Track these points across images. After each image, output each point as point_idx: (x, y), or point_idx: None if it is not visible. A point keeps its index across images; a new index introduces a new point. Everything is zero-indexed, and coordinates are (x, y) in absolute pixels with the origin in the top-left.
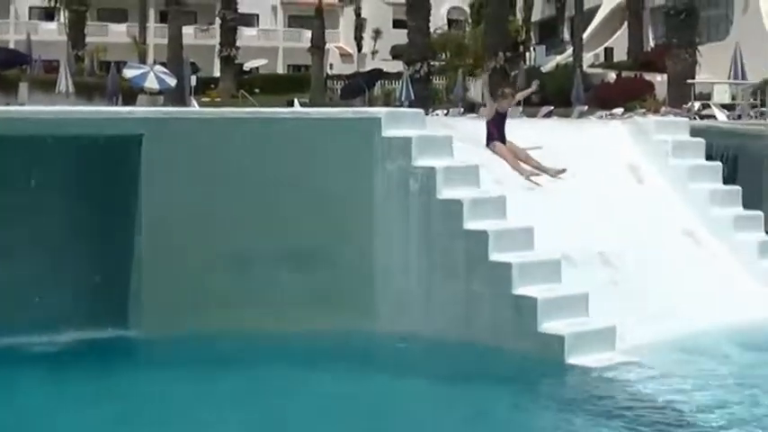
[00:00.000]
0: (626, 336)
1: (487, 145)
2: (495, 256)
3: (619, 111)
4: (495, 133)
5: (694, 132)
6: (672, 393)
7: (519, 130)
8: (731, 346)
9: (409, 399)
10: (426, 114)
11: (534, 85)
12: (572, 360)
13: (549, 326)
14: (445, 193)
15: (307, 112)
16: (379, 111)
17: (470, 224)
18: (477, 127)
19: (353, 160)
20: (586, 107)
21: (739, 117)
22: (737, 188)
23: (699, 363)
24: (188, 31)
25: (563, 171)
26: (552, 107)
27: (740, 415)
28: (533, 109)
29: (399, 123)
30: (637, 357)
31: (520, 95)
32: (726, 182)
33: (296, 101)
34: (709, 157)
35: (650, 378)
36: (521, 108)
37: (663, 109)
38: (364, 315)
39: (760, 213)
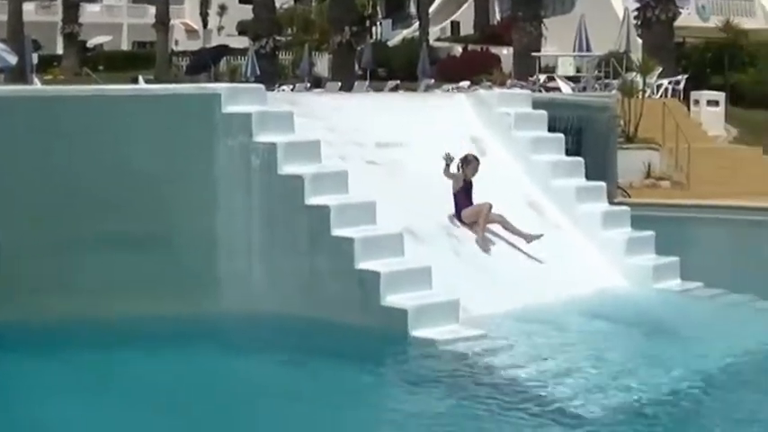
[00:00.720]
0: (470, 308)
1: (458, 218)
2: (338, 231)
3: (465, 84)
4: (466, 204)
5: (537, 105)
6: (515, 364)
7: (363, 103)
8: (575, 317)
9: (248, 377)
10: (272, 90)
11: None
12: (416, 333)
13: (392, 299)
14: (286, 168)
15: (145, 89)
16: (218, 87)
17: (312, 199)
18: (321, 102)
19: (193, 137)
20: (433, 81)
21: (584, 89)
22: (580, 159)
23: (542, 333)
24: (28, 7)
25: (539, 237)
26: (398, 81)
27: (584, 384)
28: (380, 83)
29: (239, 99)
30: (481, 329)
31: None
32: (570, 153)
33: (140, 78)
34: (553, 129)
35: (494, 349)
36: (367, 82)
37: (509, 82)
38: (206, 295)
39: (602, 184)
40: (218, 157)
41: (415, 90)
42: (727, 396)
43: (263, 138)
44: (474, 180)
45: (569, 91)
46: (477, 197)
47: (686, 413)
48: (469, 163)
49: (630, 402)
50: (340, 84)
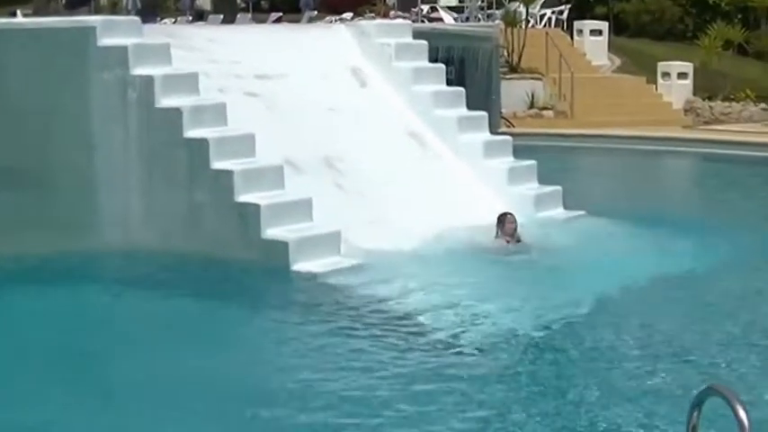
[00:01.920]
0: (351, 240)
1: None
2: (217, 164)
3: (348, 15)
4: None
5: (419, 35)
6: (395, 296)
7: (243, 36)
8: (455, 248)
9: (127, 313)
10: (155, 23)
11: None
12: (297, 266)
13: (273, 232)
14: (164, 101)
15: (19, 23)
16: (93, 20)
17: (190, 132)
18: (199, 34)
19: (68, 71)
20: (316, 12)
21: (467, 19)
22: (461, 89)
23: (423, 265)
24: None
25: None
26: (281, 13)
27: (463, 315)
28: (263, 15)
29: (115, 32)
30: (362, 261)
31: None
32: (453, 84)
33: (18, 12)
34: (435, 60)
35: (375, 281)
36: (249, 15)
37: (392, 13)
38: (86, 232)
39: (484, 114)
40: (95, 91)
41: (298, 22)
42: (604, 326)
43: (139, 71)
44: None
45: (452, 21)
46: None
47: (564, 342)
48: (502, 222)
49: (509, 332)
50: (222, 17)
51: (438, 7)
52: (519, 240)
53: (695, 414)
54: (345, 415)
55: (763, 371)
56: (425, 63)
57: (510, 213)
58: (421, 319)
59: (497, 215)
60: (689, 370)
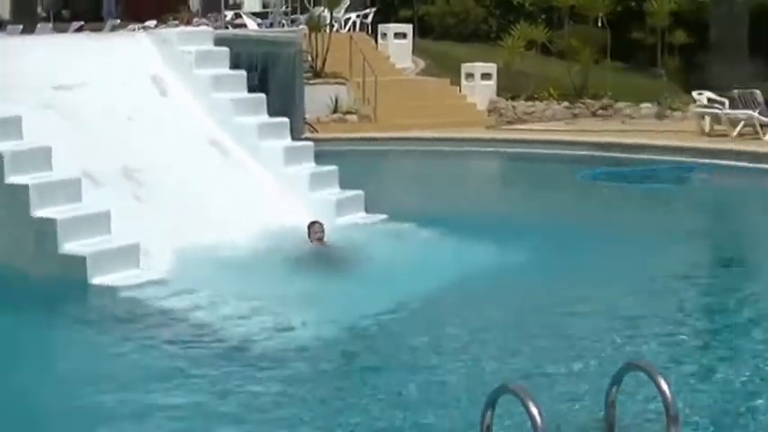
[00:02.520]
0: (152, 251)
1: None
2: (12, 178)
3: (152, 23)
4: None
5: (221, 42)
6: (197, 306)
7: (41, 46)
8: (259, 256)
9: None
10: None
11: None
12: (96, 280)
13: (70, 247)
14: None
15: None
16: None
17: None
18: None
19: None
20: (119, 21)
21: (272, 25)
22: (262, 96)
23: (225, 274)
24: None
25: None
26: (83, 22)
27: (263, 324)
28: (64, 25)
29: None
30: (163, 273)
31: None
32: (256, 90)
33: None
34: (238, 66)
35: (175, 293)
36: (50, 24)
37: (195, 20)
38: None
39: (285, 120)
40: None
41: (100, 31)
42: (403, 329)
43: None
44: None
45: (255, 27)
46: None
47: (364, 348)
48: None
49: (309, 339)
50: (22, 26)
51: (242, 14)
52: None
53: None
54: (138, 426)
55: (560, 368)
56: (226, 70)
57: (317, 222)
58: (221, 329)
59: (307, 224)
60: (488, 368)
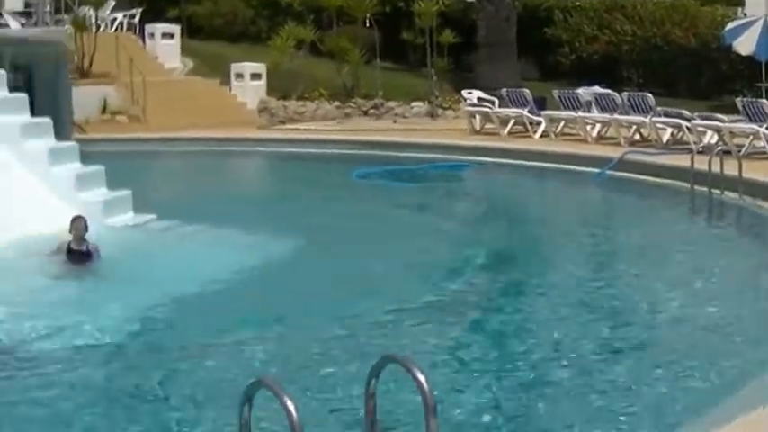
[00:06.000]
0: None
1: None
2: None
3: None
4: None
5: None
6: None
7: None
8: (21, 257)
9: None
10: None
11: None
12: None
13: None
14: None
15: None
16: None
17: None
18: None
19: None
20: None
21: (36, 24)
22: (24, 95)
23: None
24: None
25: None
26: None
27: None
28: None
29: None
30: None
31: None
32: (20, 90)
33: None
34: (1, 65)
35: None
36: None
37: None
38: None
39: (49, 120)
40: None
41: None
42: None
43: None
44: None
45: (18, 27)
46: None
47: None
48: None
49: (75, 344)
50: None
51: (3, 12)
52: (87, 249)
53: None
54: None
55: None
56: None
57: (79, 217)
58: None
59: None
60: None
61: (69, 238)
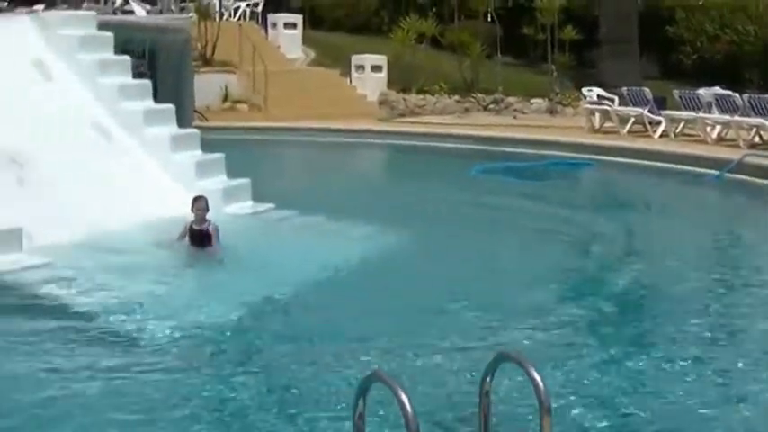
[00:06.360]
0: (35, 236)
1: None
2: None
3: (40, 7)
4: None
5: (108, 27)
6: (80, 293)
7: None
8: (144, 243)
9: None
10: None
11: None
12: None
13: None
14: None
15: None
16: None
17: None
18: None
19: None
20: (6, 4)
21: (161, 12)
22: (147, 82)
23: (111, 261)
24: None
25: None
26: None
27: (149, 313)
28: None
29: None
30: (47, 258)
31: None
32: (144, 76)
33: None
34: (127, 52)
35: (58, 279)
36: None
37: (84, 4)
38: None
39: (171, 107)
40: None
41: None
42: (292, 318)
43: None
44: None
45: (144, 14)
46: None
47: (253, 337)
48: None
49: (194, 328)
50: None
51: (130, 0)
52: (207, 230)
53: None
54: (25, 419)
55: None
56: (111, 55)
57: (201, 197)
58: (105, 315)
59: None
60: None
61: (191, 219)
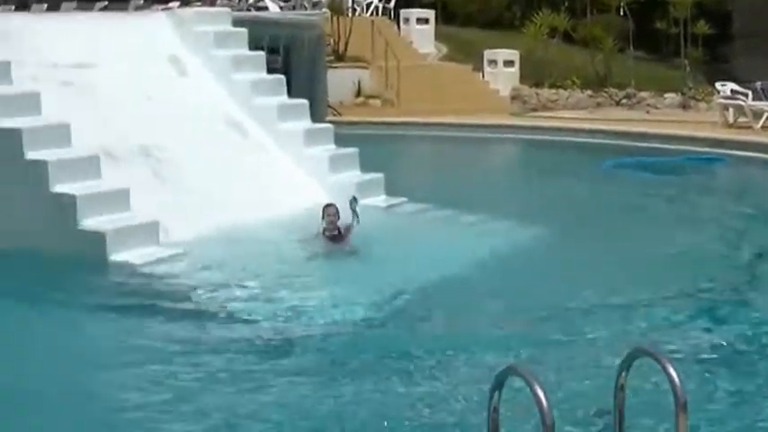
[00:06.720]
0: (171, 229)
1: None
2: (31, 154)
3: (175, 4)
4: None
5: (242, 23)
6: (216, 285)
7: (59, 24)
8: (278, 236)
9: None
10: None
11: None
12: (115, 257)
13: (89, 223)
14: None
15: None
16: None
17: (3, 122)
18: (12, 23)
19: None
20: (142, 1)
21: (294, 8)
22: (281, 77)
23: (244, 254)
24: None
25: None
26: (107, 2)
27: (286, 305)
28: (89, 4)
29: None
30: (181, 251)
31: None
32: (278, 72)
33: None
34: (260, 48)
35: (194, 271)
36: (74, 3)
37: (219, 1)
38: None
39: (305, 102)
40: None
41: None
42: (427, 312)
43: None
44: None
45: (277, 10)
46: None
47: (386, 332)
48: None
49: (329, 322)
50: (47, 5)
51: None
52: (339, 232)
53: (623, 374)
54: (161, 411)
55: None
56: (245, 51)
57: (331, 204)
58: (240, 309)
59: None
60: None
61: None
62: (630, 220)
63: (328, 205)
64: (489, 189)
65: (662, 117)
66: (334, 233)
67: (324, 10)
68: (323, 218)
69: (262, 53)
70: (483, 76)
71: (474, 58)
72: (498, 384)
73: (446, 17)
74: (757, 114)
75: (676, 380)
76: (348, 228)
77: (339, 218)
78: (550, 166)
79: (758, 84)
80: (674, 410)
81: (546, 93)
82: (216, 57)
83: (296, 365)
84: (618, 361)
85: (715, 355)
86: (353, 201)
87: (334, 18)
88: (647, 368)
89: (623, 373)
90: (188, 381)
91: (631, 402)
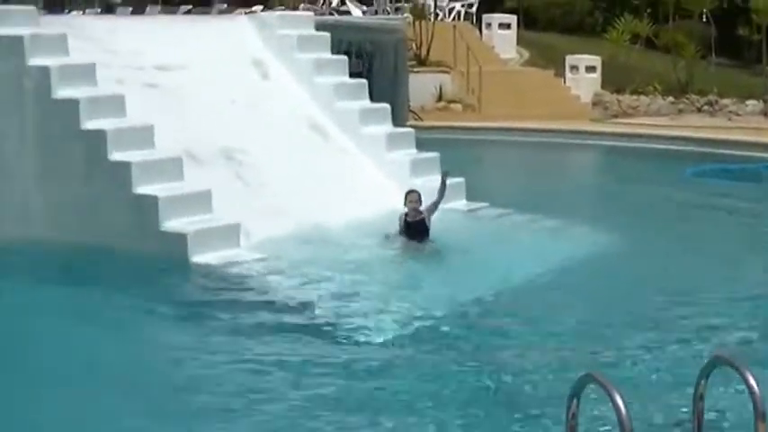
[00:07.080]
0: (252, 232)
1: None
2: (115, 155)
3: (258, 8)
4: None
5: (324, 27)
6: (297, 287)
7: (144, 26)
8: (359, 239)
9: (24, 305)
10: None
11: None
12: (196, 258)
13: (171, 225)
14: (60, 92)
15: None
16: None
17: (88, 124)
18: (98, 25)
19: None
20: (226, 5)
21: (376, 12)
22: (363, 81)
23: (326, 256)
24: None
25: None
26: (191, 6)
27: (366, 307)
28: (173, 7)
29: (10, 21)
30: (263, 253)
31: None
32: (360, 76)
33: None
34: (343, 53)
35: (275, 273)
36: (159, 7)
37: (301, 6)
38: None
39: (386, 106)
40: None
41: (208, 14)
42: (505, 317)
43: (36, 61)
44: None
45: (360, 14)
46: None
47: (468, 334)
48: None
49: (411, 324)
50: (131, 9)
51: (347, 1)
52: (422, 221)
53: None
54: (243, 408)
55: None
56: (328, 55)
57: (413, 190)
58: (321, 311)
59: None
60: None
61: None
62: (711, 228)
63: (411, 191)
64: (569, 194)
65: (744, 124)
66: (417, 219)
67: (406, 15)
68: (404, 204)
69: (344, 57)
70: (564, 81)
71: (555, 64)
72: (577, 391)
73: (528, 22)
74: None
75: (756, 389)
76: (431, 207)
77: (422, 203)
78: (631, 173)
79: None
80: (754, 421)
81: (627, 99)
82: (298, 60)
83: (378, 368)
84: (697, 369)
85: None
86: (446, 174)
87: (417, 23)
88: (726, 377)
89: (702, 382)
90: (271, 381)
91: (710, 411)
